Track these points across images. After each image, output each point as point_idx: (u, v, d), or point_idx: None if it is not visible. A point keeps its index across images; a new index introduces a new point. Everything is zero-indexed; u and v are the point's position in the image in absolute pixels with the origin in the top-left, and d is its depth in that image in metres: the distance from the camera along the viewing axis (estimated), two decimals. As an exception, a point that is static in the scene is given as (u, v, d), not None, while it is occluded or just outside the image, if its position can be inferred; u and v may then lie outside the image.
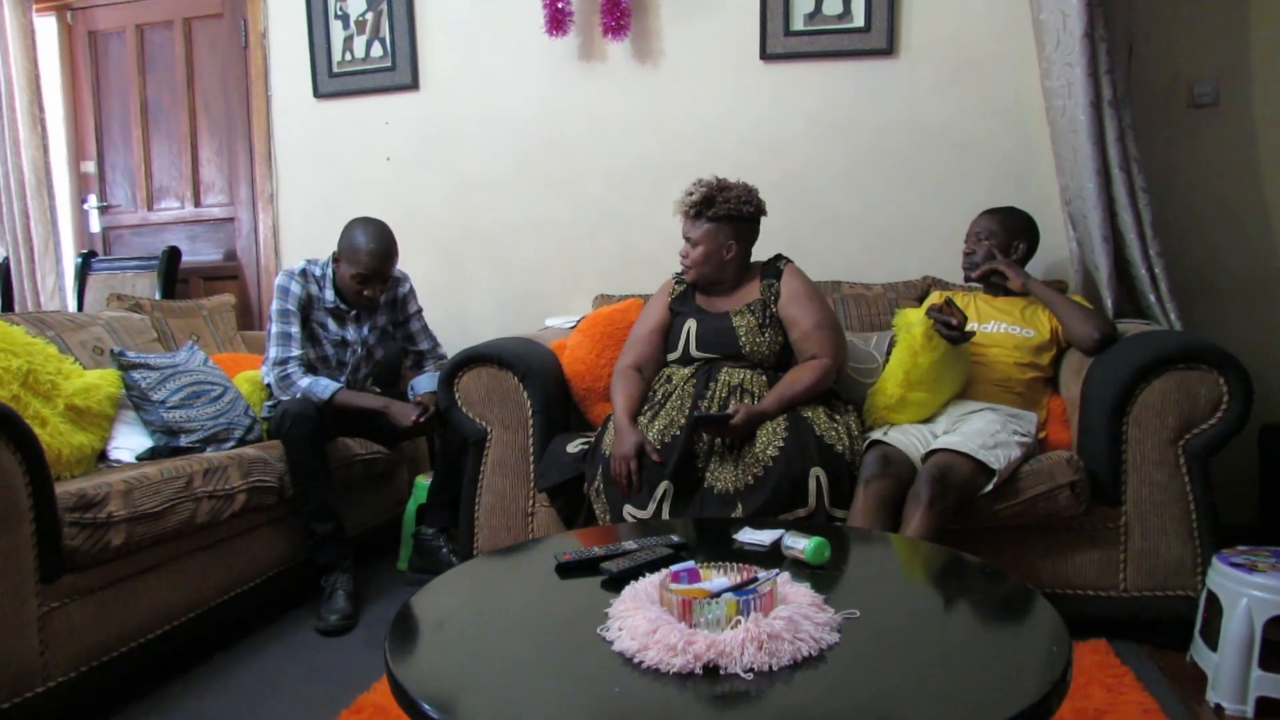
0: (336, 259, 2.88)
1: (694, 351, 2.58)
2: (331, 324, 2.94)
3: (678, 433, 2.34)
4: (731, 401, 2.40)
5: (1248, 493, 2.94)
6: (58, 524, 1.94)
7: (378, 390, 3.13)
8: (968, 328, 2.43)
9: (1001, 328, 2.66)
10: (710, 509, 2.26)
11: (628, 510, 2.32)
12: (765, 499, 2.21)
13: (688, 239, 2.63)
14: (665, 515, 2.29)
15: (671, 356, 2.63)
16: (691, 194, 2.60)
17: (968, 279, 2.82)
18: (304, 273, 2.89)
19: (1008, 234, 2.76)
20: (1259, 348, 2.94)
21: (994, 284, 2.75)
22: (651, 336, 2.67)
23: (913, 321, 2.48)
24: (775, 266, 2.66)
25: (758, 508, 2.21)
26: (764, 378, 2.48)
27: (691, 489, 2.31)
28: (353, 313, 2.95)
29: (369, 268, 2.83)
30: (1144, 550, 2.31)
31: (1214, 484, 2.30)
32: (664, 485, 2.30)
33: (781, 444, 2.27)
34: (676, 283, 2.75)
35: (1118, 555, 2.33)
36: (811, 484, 2.23)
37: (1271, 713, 1.93)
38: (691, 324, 2.61)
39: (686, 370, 2.55)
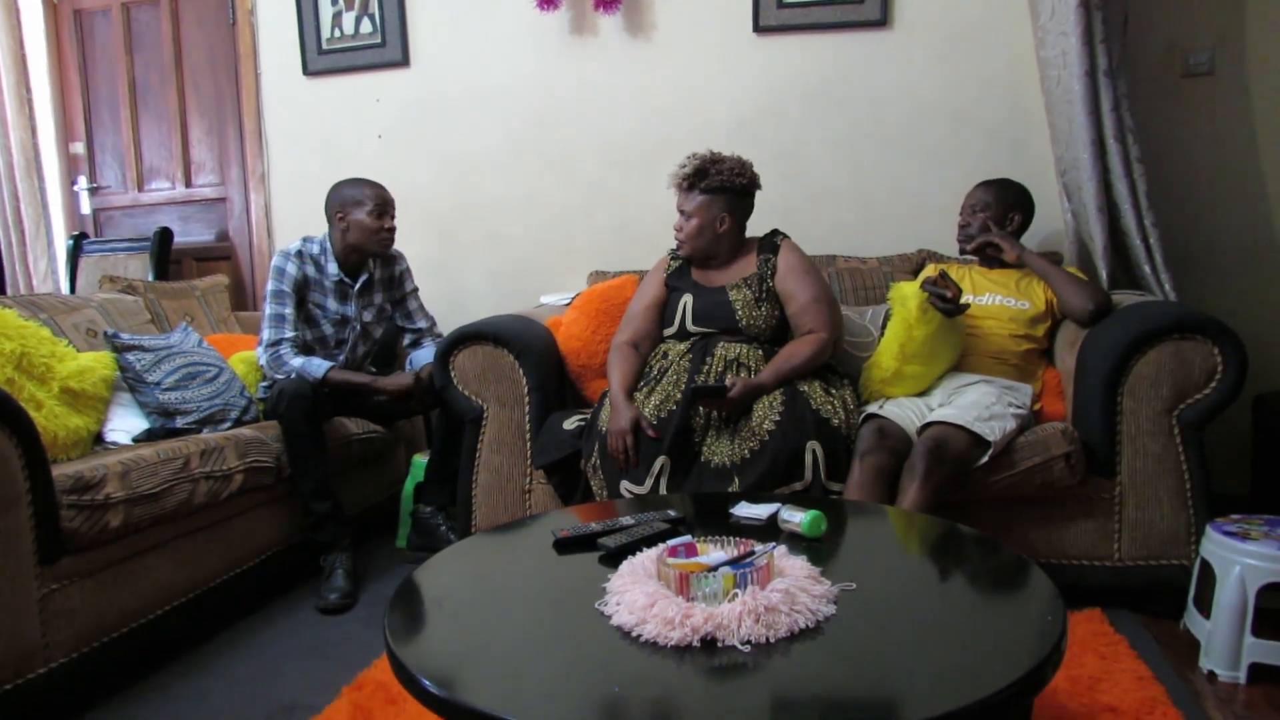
0: (341, 216, 2.88)
1: (690, 326, 2.58)
2: (331, 303, 2.93)
3: (674, 407, 2.35)
4: (728, 375, 2.40)
5: (1241, 462, 2.95)
6: (55, 506, 1.94)
7: (374, 369, 3.13)
8: (962, 300, 2.43)
9: (997, 300, 2.66)
10: (707, 483, 2.26)
11: (624, 486, 2.33)
12: (762, 472, 2.22)
13: (681, 211, 2.62)
14: (663, 490, 2.30)
15: (668, 331, 2.63)
16: (684, 166, 2.60)
17: (963, 251, 2.82)
18: (300, 253, 2.88)
19: (1003, 206, 2.75)
20: (1253, 318, 2.95)
21: (989, 256, 2.75)
22: (648, 312, 2.67)
23: (907, 295, 2.48)
24: (772, 241, 2.65)
25: (754, 481, 2.22)
26: (760, 352, 2.49)
27: (688, 464, 2.32)
28: (355, 287, 2.95)
29: (379, 196, 2.89)
30: (1138, 520, 2.32)
31: (1208, 454, 2.31)
32: (661, 460, 2.31)
33: (778, 418, 2.28)
34: (672, 259, 2.75)
35: (1112, 525, 2.34)
36: (808, 457, 2.24)
37: (1264, 679, 1.95)
38: (688, 299, 2.61)
39: (683, 346, 2.55)
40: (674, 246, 2.73)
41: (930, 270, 2.73)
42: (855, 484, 2.22)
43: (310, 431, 2.68)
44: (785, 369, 2.39)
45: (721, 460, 2.29)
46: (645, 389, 2.47)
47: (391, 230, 2.93)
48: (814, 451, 2.24)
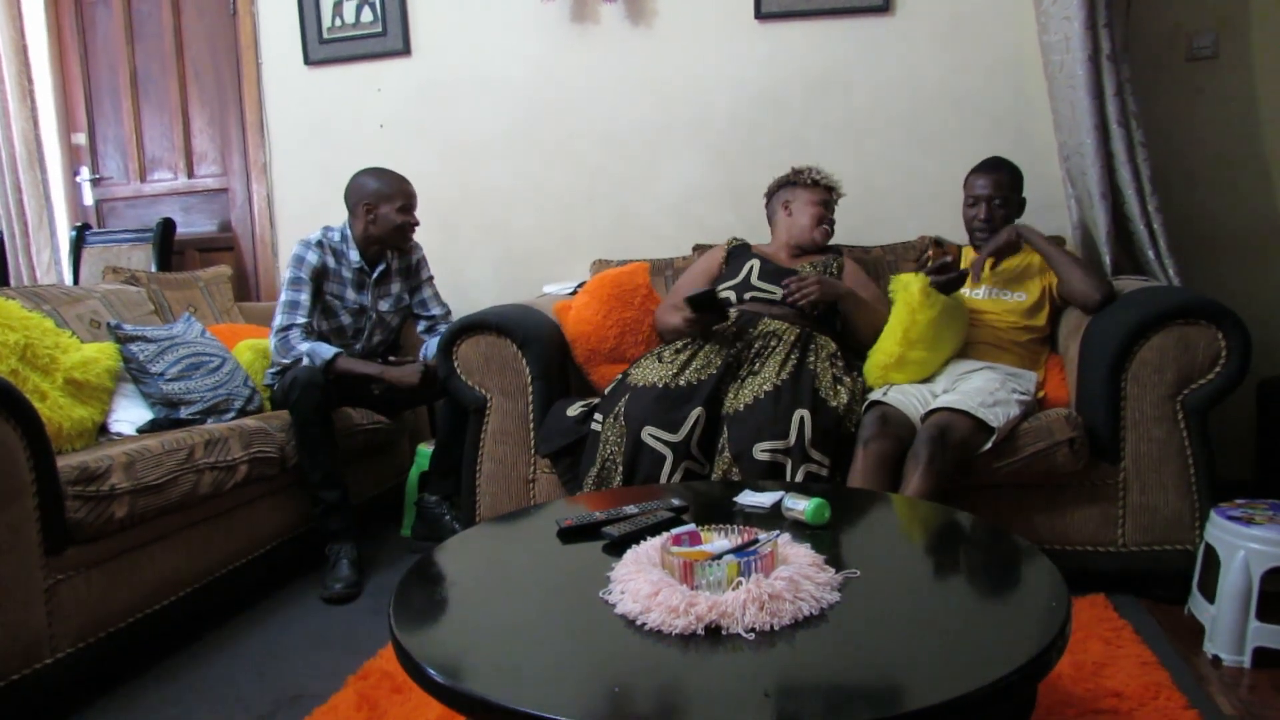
0: (369, 208, 2.90)
1: (755, 280, 2.76)
2: (350, 293, 2.94)
3: (714, 371, 2.43)
4: (764, 347, 2.52)
5: (1245, 447, 2.95)
6: (60, 497, 1.94)
7: (391, 358, 3.13)
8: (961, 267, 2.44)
9: (993, 294, 2.65)
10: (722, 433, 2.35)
11: (649, 431, 2.34)
12: (746, 427, 2.29)
13: (828, 218, 2.89)
14: (695, 441, 2.34)
15: (728, 284, 2.77)
16: (831, 179, 2.90)
17: (974, 240, 2.78)
18: (320, 243, 2.90)
19: (1013, 190, 2.73)
20: (1258, 302, 2.94)
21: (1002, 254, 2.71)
22: (702, 279, 2.85)
23: (909, 280, 2.47)
24: (836, 249, 2.94)
25: (739, 434, 2.28)
26: (797, 330, 2.56)
27: (716, 420, 2.39)
28: (374, 275, 2.96)
29: (406, 193, 2.95)
30: (1142, 505, 2.32)
31: (1212, 438, 2.31)
32: (697, 412, 2.35)
33: (779, 383, 2.36)
34: (734, 238, 3.00)
35: (1116, 511, 2.34)
36: (794, 421, 2.27)
37: (1268, 663, 1.95)
38: (755, 262, 2.83)
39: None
40: (734, 238, 2.99)
41: (922, 251, 2.73)
42: (859, 471, 2.23)
43: (321, 421, 2.69)
44: (860, 295, 2.68)
45: (728, 409, 2.36)
46: (688, 351, 2.53)
47: (415, 225, 2.99)
48: (802, 418, 2.27)
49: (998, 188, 2.70)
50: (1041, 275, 2.62)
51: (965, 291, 2.61)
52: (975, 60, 3.21)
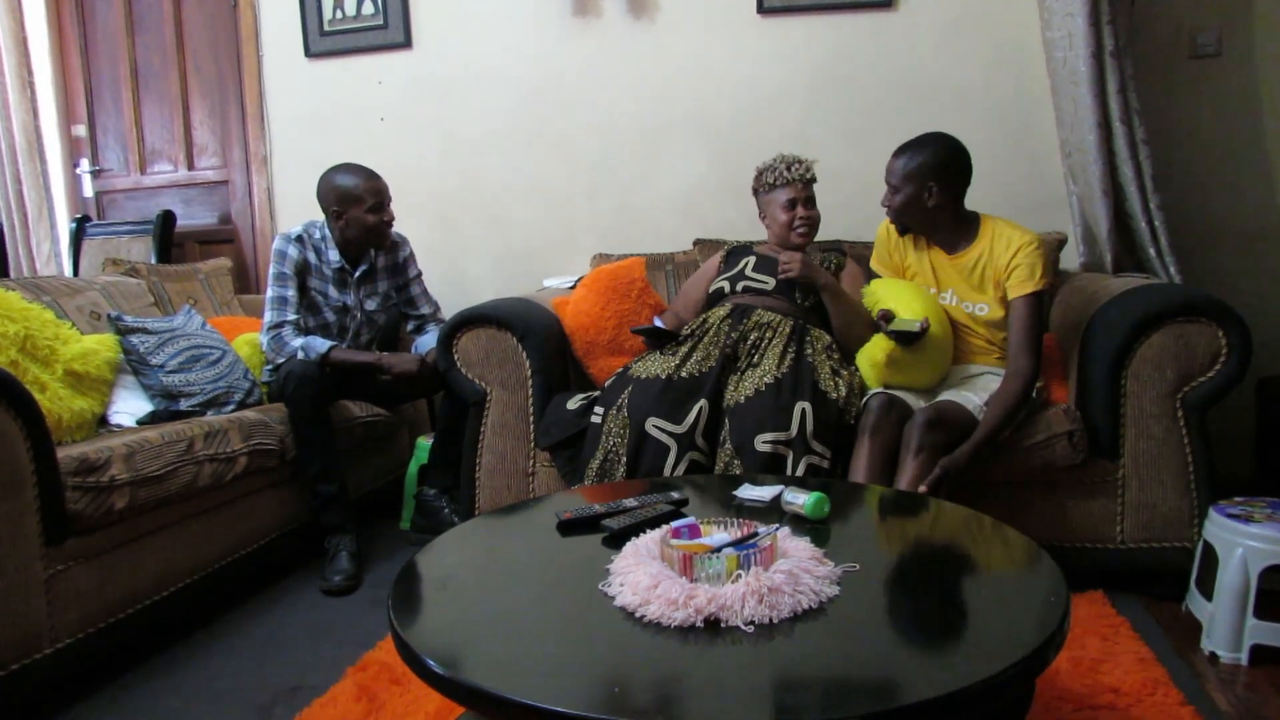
0: (338, 214, 2.85)
1: (749, 272, 2.76)
2: (332, 291, 2.93)
3: (714, 365, 2.43)
4: (759, 339, 2.52)
5: (1245, 445, 2.95)
6: (60, 488, 1.94)
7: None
8: (918, 327, 2.30)
9: (956, 302, 2.51)
10: (724, 425, 2.34)
11: (653, 422, 2.34)
12: (747, 419, 2.28)
13: (810, 207, 2.77)
14: (699, 431, 2.34)
15: (725, 275, 2.79)
16: (807, 166, 2.77)
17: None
18: (301, 238, 2.88)
19: (919, 179, 2.40)
20: (1258, 301, 2.95)
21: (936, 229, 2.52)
22: (701, 285, 2.88)
23: (871, 346, 2.43)
24: (839, 247, 2.94)
25: (739, 426, 2.28)
26: (791, 322, 2.55)
27: (718, 412, 2.39)
28: (356, 275, 2.94)
29: (375, 191, 2.86)
30: (1141, 502, 2.32)
31: (1211, 436, 2.31)
32: (700, 404, 2.35)
33: (780, 375, 2.35)
34: (732, 245, 2.98)
35: (1115, 508, 2.34)
36: (796, 413, 2.27)
37: (1265, 660, 1.95)
38: (752, 258, 2.82)
39: (722, 311, 2.64)
40: (734, 241, 2.98)
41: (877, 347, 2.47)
42: (864, 460, 2.23)
43: (316, 413, 2.69)
44: (844, 296, 2.62)
45: (729, 401, 2.36)
46: (688, 343, 2.54)
47: (390, 221, 2.92)
48: (803, 410, 2.28)
49: (891, 174, 2.46)
50: (996, 289, 2.43)
51: (932, 290, 2.52)
52: (977, 56, 3.20)
